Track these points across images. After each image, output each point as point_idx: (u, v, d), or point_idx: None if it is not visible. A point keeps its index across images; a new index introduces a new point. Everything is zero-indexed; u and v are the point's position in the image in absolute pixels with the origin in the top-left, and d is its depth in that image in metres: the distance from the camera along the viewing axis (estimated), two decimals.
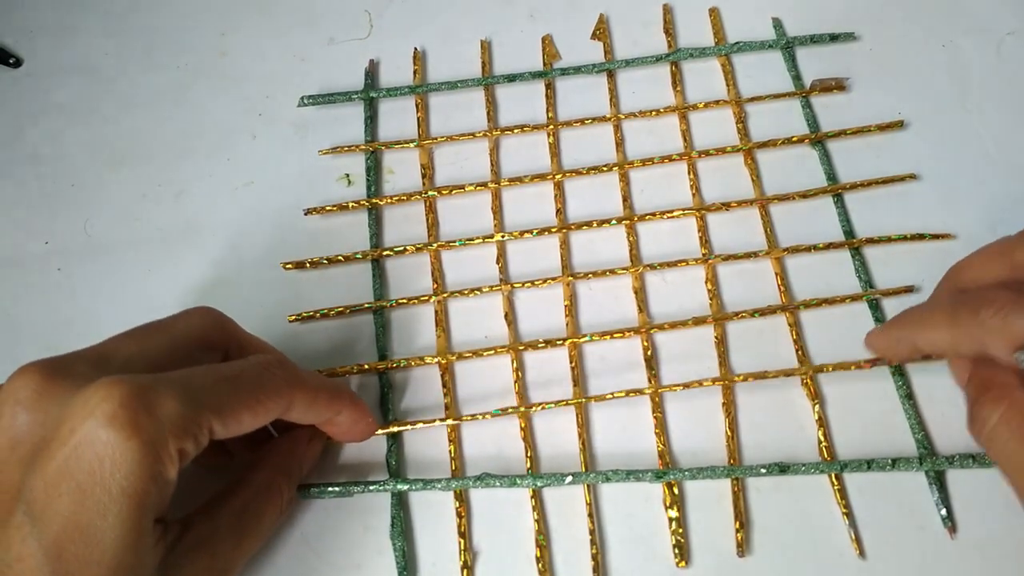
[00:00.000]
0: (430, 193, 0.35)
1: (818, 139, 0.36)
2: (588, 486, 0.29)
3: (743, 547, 0.28)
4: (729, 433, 0.30)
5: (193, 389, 0.23)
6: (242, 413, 0.24)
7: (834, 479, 0.29)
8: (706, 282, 0.33)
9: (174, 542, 0.23)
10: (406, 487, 0.29)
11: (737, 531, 0.28)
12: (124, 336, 0.25)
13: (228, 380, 0.24)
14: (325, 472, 0.30)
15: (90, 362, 0.23)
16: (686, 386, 0.31)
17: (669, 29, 0.39)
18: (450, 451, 0.30)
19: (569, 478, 0.29)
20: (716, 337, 0.32)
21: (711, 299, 0.33)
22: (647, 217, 0.34)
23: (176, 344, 0.25)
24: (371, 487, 0.29)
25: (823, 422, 0.30)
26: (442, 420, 0.31)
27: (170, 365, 0.24)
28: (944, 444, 0.29)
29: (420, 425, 0.31)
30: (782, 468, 0.29)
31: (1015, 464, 0.24)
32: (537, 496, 0.29)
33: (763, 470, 0.29)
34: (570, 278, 0.33)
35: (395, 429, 0.31)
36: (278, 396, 0.25)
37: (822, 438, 0.30)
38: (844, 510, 0.28)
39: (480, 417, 0.31)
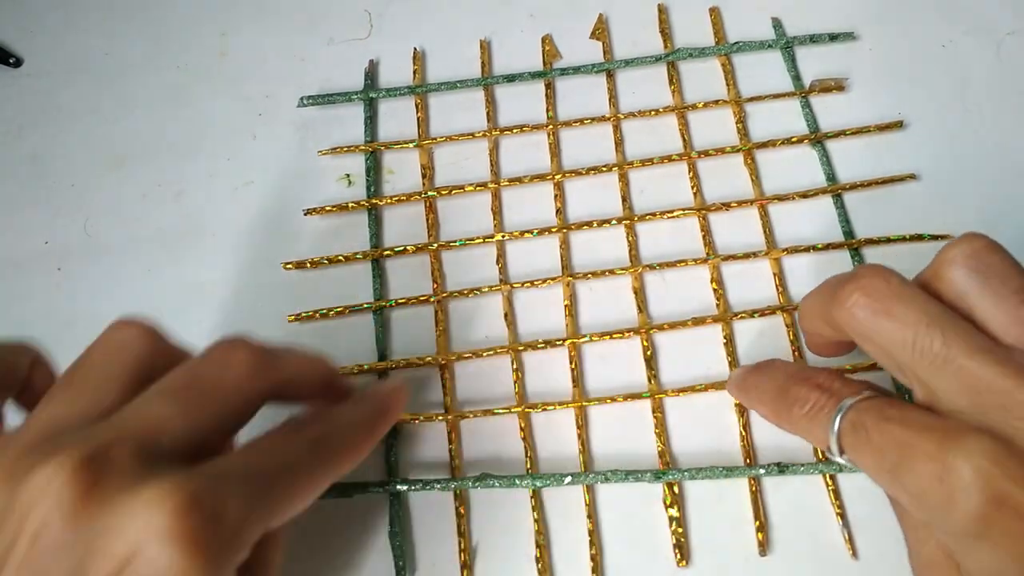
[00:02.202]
0: (430, 193, 0.35)
1: (818, 139, 0.36)
2: (588, 486, 0.29)
3: (764, 546, 0.28)
4: (743, 433, 0.30)
5: (257, 486, 0.20)
6: (300, 505, 0.22)
7: (828, 479, 0.29)
8: (711, 282, 0.33)
9: None
10: (405, 488, 0.29)
11: (758, 531, 0.28)
12: (166, 401, 0.21)
13: (289, 470, 0.21)
14: None
15: (135, 449, 0.19)
16: (690, 389, 0.31)
17: (665, 30, 0.39)
18: (450, 451, 0.30)
19: (568, 479, 0.29)
20: (725, 337, 0.32)
21: (717, 299, 0.33)
22: (647, 217, 0.34)
23: (226, 412, 0.22)
24: (370, 488, 0.29)
25: None
26: (441, 416, 0.31)
27: (221, 435, 0.22)
28: None
29: (420, 420, 0.31)
30: (781, 468, 0.29)
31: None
32: (537, 495, 0.29)
33: (762, 470, 0.29)
34: (570, 278, 0.33)
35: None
36: (333, 476, 0.23)
37: None
38: (838, 510, 0.28)
39: (480, 414, 0.31)
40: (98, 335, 0.23)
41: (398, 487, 0.29)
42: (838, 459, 0.23)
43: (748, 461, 0.30)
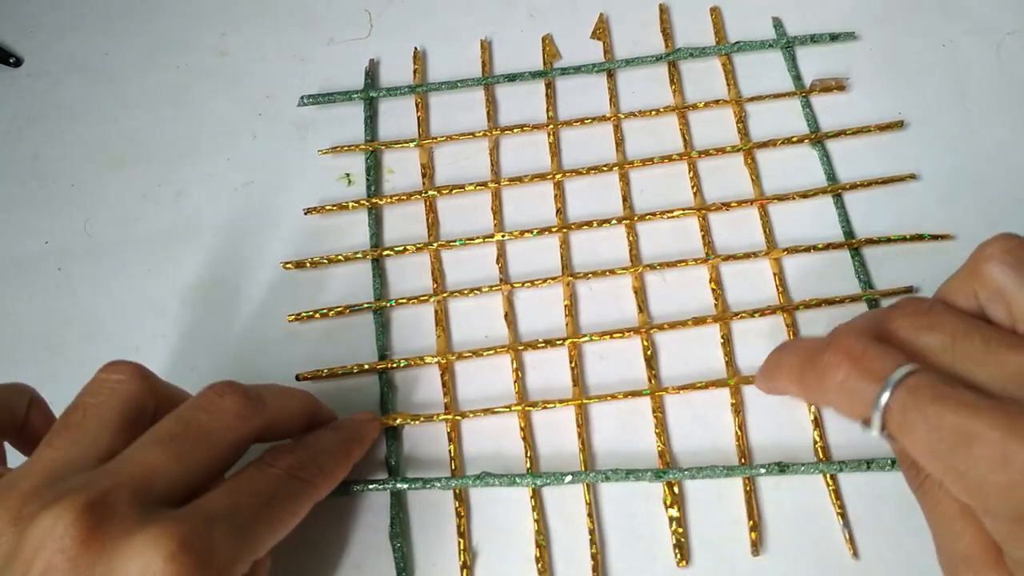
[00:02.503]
0: (430, 193, 0.35)
1: (818, 139, 0.36)
2: (588, 485, 0.29)
3: (757, 546, 0.28)
4: (739, 433, 0.30)
5: (242, 524, 0.22)
6: (282, 532, 0.24)
7: (829, 479, 0.29)
8: (710, 282, 0.33)
9: None
10: (405, 486, 0.29)
11: (751, 530, 0.28)
12: (160, 449, 0.22)
13: (269, 505, 0.23)
14: None
15: (132, 495, 0.21)
16: (691, 387, 0.31)
17: (666, 29, 0.39)
18: (450, 450, 0.30)
19: (569, 477, 0.29)
20: (723, 336, 0.32)
21: (716, 300, 0.33)
22: (647, 217, 0.34)
23: (216, 456, 0.23)
24: (370, 486, 0.29)
25: (819, 422, 0.30)
26: (442, 416, 0.31)
27: (211, 476, 0.23)
28: None
29: (420, 420, 0.31)
30: (781, 468, 0.29)
31: None
32: (537, 495, 0.29)
33: (762, 470, 0.29)
34: (570, 278, 0.33)
35: (396, 422, 0.31)
36: (312, 501, 0.25)
37: (818, 438, 0.30)
38: (839, 510, 0.28)
39: (480, 414, 0.31)
40: (91, 377, 0.25)
41: (398, 486, 0.29)
42: (873, 433, 0.22)
43: (748, 460, 0.30)
